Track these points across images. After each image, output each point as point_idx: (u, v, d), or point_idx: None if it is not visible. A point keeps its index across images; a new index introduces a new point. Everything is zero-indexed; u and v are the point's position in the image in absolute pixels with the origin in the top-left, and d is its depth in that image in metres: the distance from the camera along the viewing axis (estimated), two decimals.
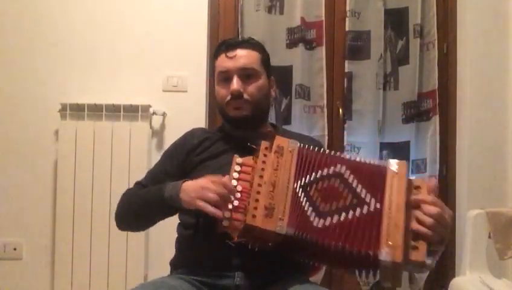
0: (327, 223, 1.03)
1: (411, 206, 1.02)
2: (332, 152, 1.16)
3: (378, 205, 1.04)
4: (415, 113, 2.37)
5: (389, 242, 0.97)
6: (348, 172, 1.10)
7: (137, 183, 1.36)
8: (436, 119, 2.35)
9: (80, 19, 2.31)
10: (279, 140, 1.14)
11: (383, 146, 2.37)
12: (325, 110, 2.33)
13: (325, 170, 1.11)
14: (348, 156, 1.15)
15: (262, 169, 1.10)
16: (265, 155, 1.12)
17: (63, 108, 2.21)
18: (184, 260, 1.24)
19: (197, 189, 1.12)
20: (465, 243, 1.86)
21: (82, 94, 2.25)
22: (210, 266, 1.17)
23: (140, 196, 1.27)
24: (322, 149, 1.17)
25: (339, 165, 1.11)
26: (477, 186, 2.25)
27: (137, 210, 1.26)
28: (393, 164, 1.09)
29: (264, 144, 1.14)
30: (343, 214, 1.04)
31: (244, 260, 1.14)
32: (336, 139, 2.37)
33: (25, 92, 2.28)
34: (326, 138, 2.32)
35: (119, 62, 2.30)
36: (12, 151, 2.26)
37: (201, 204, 1.09)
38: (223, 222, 1.09)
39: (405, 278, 2.28)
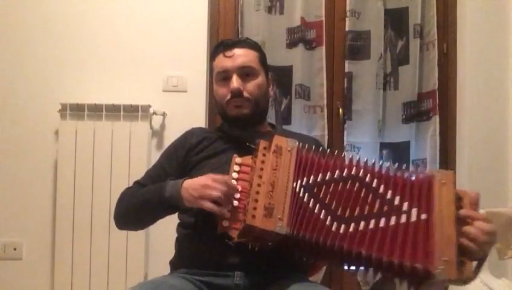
0: (351, 228, 1.01)
1: (460, 219, 0.99)
2: (335, 152, 1.15)
3: (423, 216, 1.00)
4: (415, 113, 2.37)
5: (444, 258, 0.94)
6: (370, 177, 1.07)
7: (136, 183, 1.36)
8: (436, 119, 2.35)
9: (80, 18, 2.30)
10: (277, 139, 1.13)
11: (383, 146, 2.37)
12: (325, 110, 2.33)
13: (337, 172, 1.09)
14: (364, 161, 1.11)
15: (261, 169, 1.09)
16: (264, 155, 1.11)
17: (63, 108, 2.21)
18: (184, 260, 1.24)
19: (198, 188, 1.12)
20: None
21: (82, 94, 2.25)
22: (209, 265, 1.17)
23: (140, 194, 1.27)
24: (322, 149, 1.16)
25: (354, 169, 1.09)
26: (477, 187, 2.23)
27: (138, 209, 1.26)
28: (440, 174, 1.05)
29: (262, 143, 1.13)
30: (373, 221, 1.01)
31: (243, 259, 1.14)
32: (336, 139, 2.37)
33: (25, 92, 2.28)
34: (326, 137, 2.32)
35: (119, 62, 2.29)
36: (12, 151, 2.26)
37: (205, 204, 1.09)
38: (223, 222, 1.09)
39: None
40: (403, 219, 1.01)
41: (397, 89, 2.39)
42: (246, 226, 1.03)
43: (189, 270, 1.19)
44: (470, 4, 2.31)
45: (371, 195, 1.05)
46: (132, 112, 2.21)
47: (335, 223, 1.02)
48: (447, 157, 2.38)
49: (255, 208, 1.03)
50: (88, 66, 2.29)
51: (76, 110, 2.21)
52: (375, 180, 1.07)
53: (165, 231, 1.40)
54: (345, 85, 2.36)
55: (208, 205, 1.09)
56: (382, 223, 1.01)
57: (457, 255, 0.95)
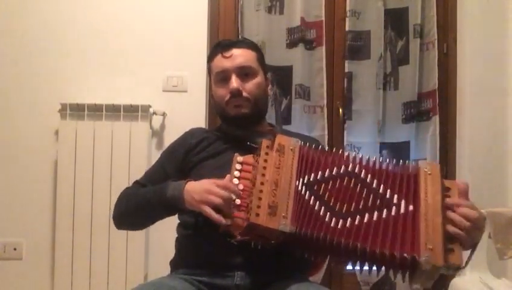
0: (348, 223, 1.02)
1: (446, 208, 1.02)
2: (335, 150, 1.17)
3: (411, 207, 1.03)
4: (415, 113, 2.37)
5: (429, 246, 0.96)
6: (364, 172, 1.09)
7: (136, 183, 1.36)
8: (436, 119, 2.35)
9: (80, 19, 2.30)
10: (280, 138, 1.15)
11: (383, 146, 2.37)
12: (325, 110, 2.34)
13: (335, 170, 1.10)
14: (360, 156, 1.14)
15: (264, 167, 1.10)
16: (266, 154, 1.12)
17: (63, 108, 2.21)
18: (184, 260, 1.24)
19: (201, 192, 1.12)
20: None
21: (82, 94, 2.25)
22: (210, 266, 1.17)
23: (141, 194, 1.27)
24: (323, 148, 1.18)
25: (351, 165, 1.11)
26: (477, 187, 2.24)
27: (138, 209, 1.26)
28: (426, 165, 1.08)
29: (265, 142, 1.14)
30: (367, 215, 1.03)
31: (244, 260, 1.14)
32: (336, 139, 2.37)
33: (25, 92, 2.28)
34: (326, 138, 2.33)
35: (119, 62, 2.29)
36: (13, 151, 2.26)
37: (206, 210, 1.09)
38: (225, 221, 1.09)
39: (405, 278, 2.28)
40: (393, 211, 1.03)
41: (397, 89, 2.39)
42: (250, 224, 1.03)
43: (189, 270, 1.19)
44: (470, 4, 2.31)
45: (365, 190, 1.07)
46: (132, 112, 2.21)
47: (334, 219, 1.03)
48: (447, 157, 2.38)
49: (258, 207, 1.04)
50: (88, 66, 2.29)
51: (76, 110, 2.21)
52: (369, 175, 1.09)
53: (165, 231, 1.40)
54: (345, 85, 2.36)
55: (209, 211, 1.09)
56: (375, 216, 1.03)
57: (445, 243, 0.97)
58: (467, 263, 1.00)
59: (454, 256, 0.96)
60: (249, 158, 1.16)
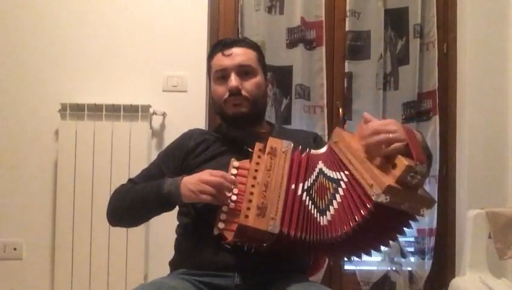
0: (329, 217, 1.02)
1: (367, 146, 0.99)
2: (323, 149, 1.16)
3: (347, 172, 1.02)
4: (415, 113, 2.37)
5: (371, 183, 0.93)
6: (323, 165, 1.09)
7: (130, 181, 1.35)
8: (436, 119, 2.35)
9: (80, 19, 2.30)
10: (272, 141, 1.16)
11: None
12: (325, 110, 2.34)
13: (316, 170, 1.11)
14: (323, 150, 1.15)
15: (256, 170, 1.11)
16: (259, 157, 1.13)
17: (63, 108, 2.21)
18: (183, 261, 1.24)
19: (196, 183, 1.13)
20: (465, 243, 1.86)
21: (82, 94, 2.25)
22: (209, 266, 1.17)
23: (137, 191, 1.26)
24: (321, 142, 1.18)
25: (320, 162, 1.11)
26: (477, 186, 2.25)
27: (133, 205, 1.25)
28: (333, 137, 1.09)
29: (257, 145, 1.16)
30: (334, 202, 1.02)
31: (243, 260, 1.14)
32: None
33: (25, 92, 2.28)
34: (326, 138, 2.32)
35: (119, 62, 2.29)
36: (13, 151, 2.26)
37: (201, 196, 1.10)
38: (219, 224, 1.10)
39: (405, 278, 2.28)
40: (343, 184, 1.02)
41: (397, 89, 2.39)
42: (240, 226, 1.04)
43: (188, 271, 1.19)
44: (470, 4, 2.31)
45: (328, 181, 1.06)
46: (132, 112, 2.21)
47: (320, 218, 1.03)
48: (447, 157, 2.38)
49: (248, 208, 1.05)
50: (88, 66, 2.29)
51: (76, 110, 2.21)
52: (325, 167, 1.08)
53: (165, 232, 1.40)
54: (345, 85, 2.36)
55: (206, 198, 1.10)
56: (338, 198, 1.01)
57: (384, 166, 0.94)
58: (421, 164, 0.93)
59: (399, 166, 0.91)
60: (245, 163, 1.17)
